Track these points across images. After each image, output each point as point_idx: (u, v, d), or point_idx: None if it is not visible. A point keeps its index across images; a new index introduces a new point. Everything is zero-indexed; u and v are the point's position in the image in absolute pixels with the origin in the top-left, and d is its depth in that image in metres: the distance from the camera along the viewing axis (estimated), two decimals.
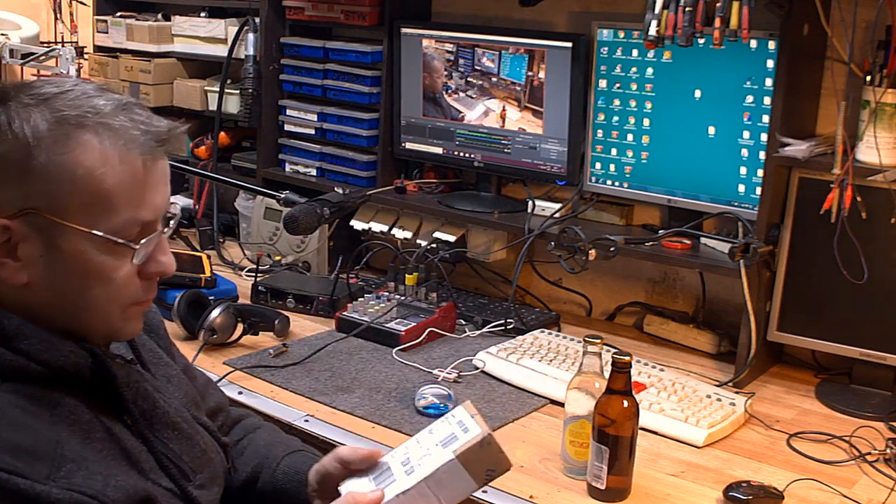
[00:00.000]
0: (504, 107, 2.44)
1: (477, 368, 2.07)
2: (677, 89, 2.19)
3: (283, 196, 2.13)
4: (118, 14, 3.23)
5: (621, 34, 2.24)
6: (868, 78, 1.84)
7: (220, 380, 1.94)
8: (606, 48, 2.27)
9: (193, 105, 3.04)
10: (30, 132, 1.04)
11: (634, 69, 2.24)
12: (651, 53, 2.19)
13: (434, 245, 2.40)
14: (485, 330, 2.31)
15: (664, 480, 1.66)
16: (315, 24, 2.76)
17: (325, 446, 1.66)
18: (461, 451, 1.17)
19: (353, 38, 2.73)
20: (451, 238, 2.50)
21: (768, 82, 2.03)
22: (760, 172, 2.04)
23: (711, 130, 2.16)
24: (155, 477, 1.13)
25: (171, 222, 1.18)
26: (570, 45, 2.29)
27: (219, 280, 2.44)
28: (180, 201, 3.04)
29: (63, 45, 3.23)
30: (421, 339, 2.19)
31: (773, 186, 1.99)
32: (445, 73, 2.51)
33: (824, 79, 2.06)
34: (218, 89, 2.90)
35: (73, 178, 1.05)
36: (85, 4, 3.36)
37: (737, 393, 1.96)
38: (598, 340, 1.62)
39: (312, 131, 2.77)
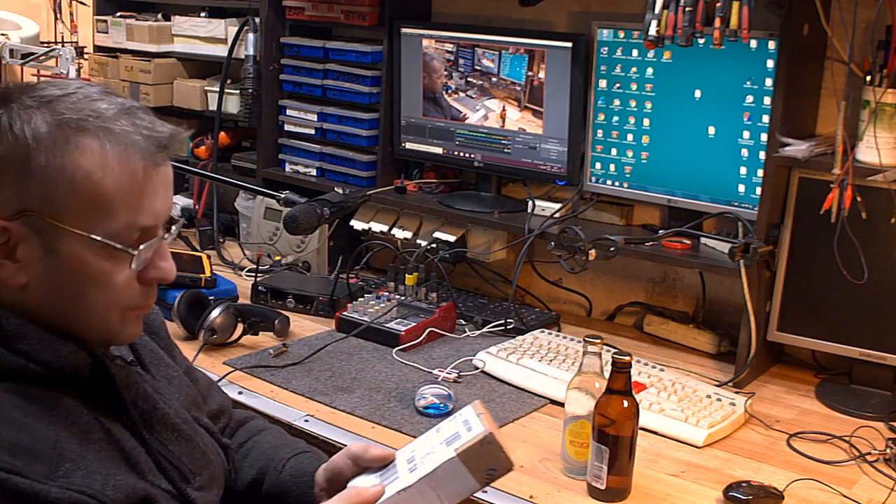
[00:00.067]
0: (504, 107, 2.44)
1: (477, 368, 2.07)
2: (677, 89, 2.19)
3: (283, 196, 2.13)
4: (118, 14, 3.23)
5: (621, 34, 2.24)
6: (868, 78, 1.84)
7: (220, 380, 1.94)
8: (606, 48, 2.27)
9: (193, 105, 3.04)
10: (30, 134, 1.04)
11: (634, 69, 2.24)
12: (651, 53, 2.19)
13: (434, 245, 2.40)
14: (485, 330, 2.31)
15: (664, 480, 1.66)
16: (315, 24, 2.76)
17: (326, 446, 1.67)
18: (462, 449, 1.17)
19: (353, 38, 2.73)
20: (451, 238, 2.50)
21: (768, 82, 2.03)
22: (760, 172, 2.04)
23: (711, 130, 2.16)
24: (153, 478, 1.12)
25: (174, 228, 1.17)
26: (570, 45, 2.29)
27: (219, 280, 2.44)
28: (180, 201, 3.05)
29: (63, 45, 3.23)
30: (421, 339, 2.19)
31: (773, 186, 1.99)
32: (445, 73, 2.51)
33: (824, 79, 2.06)
34: (218, 89, 2.90)
35: (72, 181, 1.05)
36: (85, 4, 3.36)
37: (737, 393, 1.96)
38: (598, 340, 1.62)
39: (312, 131, 2.77)
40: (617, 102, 2.28)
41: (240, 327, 2.15)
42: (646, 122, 2.25)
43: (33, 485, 0.98)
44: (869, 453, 1.73)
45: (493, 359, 2.08)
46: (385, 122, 2.64)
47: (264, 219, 2.82)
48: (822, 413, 1.95)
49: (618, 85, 2.27)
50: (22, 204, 1.05)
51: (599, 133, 2.33)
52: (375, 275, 2.69)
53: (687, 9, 1.79)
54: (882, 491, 1.62)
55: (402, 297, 2.31)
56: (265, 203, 2.80)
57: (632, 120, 2.27)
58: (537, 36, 2.36)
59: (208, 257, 2.54)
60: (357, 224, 2.65)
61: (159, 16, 3.18)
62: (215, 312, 2.10)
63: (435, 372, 2.04)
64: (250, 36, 2.79)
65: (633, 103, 2.26)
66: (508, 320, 2.30)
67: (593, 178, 2.36)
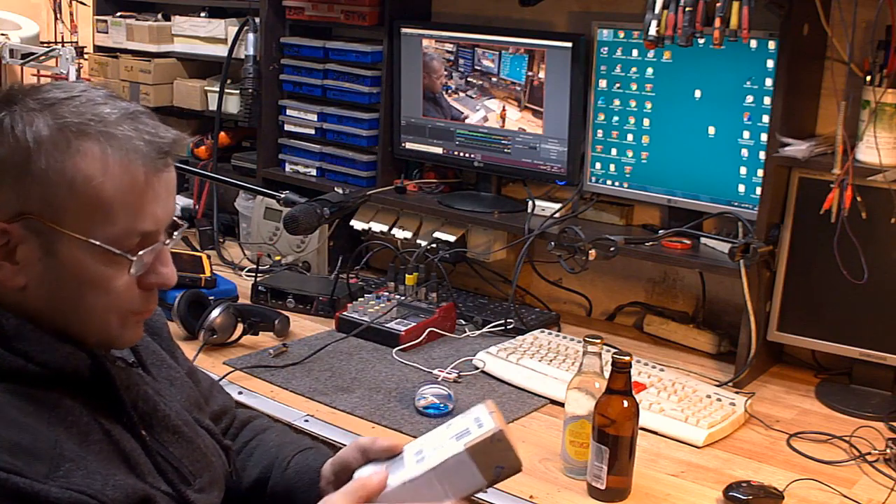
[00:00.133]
0: (504, 107, 2.44)
1: (477, 368, 2.07)
2: (677, 89, 2.19)
3: (283, 196, 2.13)
4: (118, 14, 3.23)
5: (621, 34, 2.24)
6: (868, 78, 1.84)
7: (220, 380, 1.94)
8: (606, 48, 2.27)
9: (193, 105, 3.04)
10: (31, 137, 1.04)
11: (634, 69, 2.24)
12: (651, 53, 2.19)
13: (434, 245, 2.40)
14: (485, 330, 2.31)
15: (664, 480, 1.66)
16: (315, 24, 2.76)
17: (326, 446, 1.66)
18: (471, 444, 1.17)
19: (353, 38, 2.73)
20: (451, 238, 2.50)
21: (768, 82, 2.03)
22: (760, 172, 2.04)
23: (711, 130, 2.16)
24: (153, 480, 1.12)
25: (175, 233, 1.17)
26: (570, 45, 2.29)
27: (219, 280, 2.44)
28: (180, 201, 3.05)
29: (63, 45, 3.23)
30: (421, 339, 2.19)
31: (773, 186, 1.99)
32: (445, 73, 2.51)
33: (824, 79, 2.06)
34: (218, 89, 2.90)
35: (71, 184, 1.05)
36: (85, 4, 3.36)
37: (737, 393, 1.96)
38: (598, 340, 1.62)
39: (312, 131, 2.77)
40: (617, 102, 2.28)
41: (240, 327, 2.15)
42: (646, 122, 2.25)
43: (33, 484, 0.98)
44: (869, 453, 1.73)
45: (493, 359, 2.08)
46: (385, 122, 2.64)
47: (264, 219, 2.82)
48: (822, 413, 1.95)
49: (618, 85, 2.27)
50: (22, 206, 1.05)
51: (599, 133, 2.33)
52: (375, 275, 2.69)
53: (687, 9, 1.79)
54: (882, 491, 1.62)
55: (402, 297, 2.31)
56: (265, 203, 2.80)
57: (632, 120, 2.27)
58: (537, 36, 2.36)
59: (208, 257, 2.54)
60: (357, 224, 2.65)
61: (159, 16, 3.18)
62: (215, 312, 2.10)
63: (435, 372, 2.04)
64: (250, 36, 2.79)
65: (633, 103, 2.26)
66: (508, 320, 2.30)
67: (593, 178, 2.36)
